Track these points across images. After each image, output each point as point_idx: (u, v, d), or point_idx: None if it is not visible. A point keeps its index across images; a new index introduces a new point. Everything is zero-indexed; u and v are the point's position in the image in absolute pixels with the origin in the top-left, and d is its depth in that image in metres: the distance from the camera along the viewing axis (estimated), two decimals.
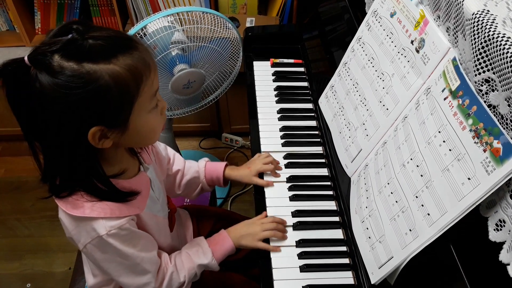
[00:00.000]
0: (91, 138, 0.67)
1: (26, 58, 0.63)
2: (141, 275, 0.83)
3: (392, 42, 0.92)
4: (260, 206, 1.03)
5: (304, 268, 0.90)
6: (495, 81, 0.64)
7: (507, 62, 0.60)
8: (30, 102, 0.64)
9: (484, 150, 0.62)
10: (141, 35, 1.21)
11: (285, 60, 1.40)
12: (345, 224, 0.96)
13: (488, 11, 0.66)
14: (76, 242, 0.78)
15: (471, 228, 0.67)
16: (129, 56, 0.67)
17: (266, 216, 1.00)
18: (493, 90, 0.65)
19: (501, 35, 0.62)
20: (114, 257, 0.79)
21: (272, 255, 0.92)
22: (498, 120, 0.62)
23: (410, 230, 0.74)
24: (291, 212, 1.00)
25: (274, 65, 1.38)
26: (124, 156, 0.82)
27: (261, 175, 1.08)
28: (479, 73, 0.66)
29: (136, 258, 0.81)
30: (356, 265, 0.88)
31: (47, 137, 0.68)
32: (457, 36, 0.74)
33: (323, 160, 1.12)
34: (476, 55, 0.66)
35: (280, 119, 1.22)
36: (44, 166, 0.72)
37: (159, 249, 0.91)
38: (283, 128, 1.19)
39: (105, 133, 0.69)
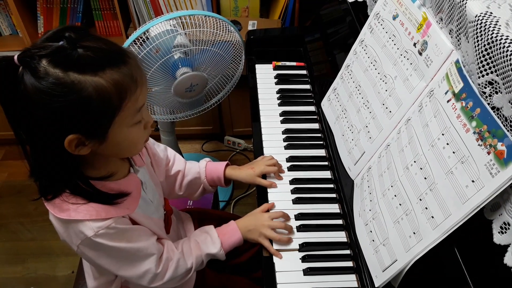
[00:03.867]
0: (67, 145, 0.67)
1: (15, 58, 0.63)
2: (140, 264, 0.84)
3: (394, 44, 0.92)
4: None
5: (307, 272, 0.89)
6: (498, 83, 0.64)
7: (510, 64, 0.60)
8: (14, 100, 0.65)
9: (488, 153, 0.62)
10: (144, 38, 1.21)
11: (287, 63, 1.40)
12: (349, 227, 0.95)
13: (491, 13, 0.65)
14: (69, 243, 0.79)
15: (475, 231, 0.67)
16: (117, 70, 0.67)
17: (274, 206, 1.00)
18: (496, 92, 0.64)
19: (504, 37, 0.61)
20: (108, 253, 0.80)
21: (275, 258, 0.92)
22: (502, 122, 0.62)
23: (414, 233, 0.74)
24: (294, 215, 1.00)
25: (276, 68, 1.38)
26: (112, 159, 0.81)
27: (263, 177, 1.07)
28: (483, 75, 0.66)
29: (131, 250, 0.81)
30: (360, 268, 0.87)
31: (29, 136, 0.69)
32: (460, 39, 0.74)
33: (326, 163, 1.12)
34: (479, 57, 0.66)
35: (282, 121, 1.22)
36: (32, 162, 0.73)
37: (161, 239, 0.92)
38: (285, 131, 1.19)
39: (83, 141, 0.69)
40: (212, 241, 0.94)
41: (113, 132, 0.71)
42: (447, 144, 0.70)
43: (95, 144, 0.70)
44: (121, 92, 0.68)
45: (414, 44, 0.86)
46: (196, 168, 1.09)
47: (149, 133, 0.80)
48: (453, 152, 0.68)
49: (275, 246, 0.94)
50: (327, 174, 1.09)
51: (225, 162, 1.10)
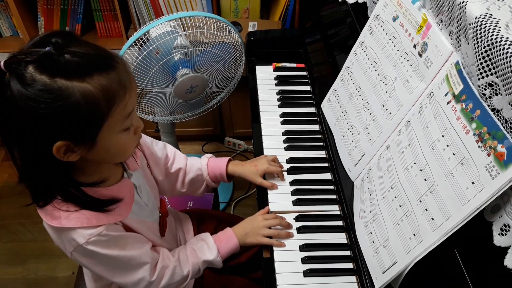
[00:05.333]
0: (56, 151, 0.66)
1: (2, 64, 0.62)
2: (133, 272, 0.83)
3: (394, 46, 0.92)
4: None
5: (307, 273, 0.89)
6: (498, 85, 0.64)
7: (510, 66, 0.60)
8: (1, 107, 0.64)
9: (488, 154, 0.62)
10: (144, 40, 1.21)
11: (288, 64, 1.40)
12: (349, 229, 0.95)
13: (491, 15, 0.65)
14: (64, 250, 0.78)
15: (475, 232, 0.66)
16: (105, 76, 0.66)
17: (269, 211, 1.00)
18: (496, 94, 0.64)
19: (504, 39, 0.61)
20: (101, 261, 0.79)
21: (276, 258, 0.92)
22: (502, 124, 0.62)
23: (414, 234, 0.74)
24: (294, 217, 1.00)
25: (276, 69, 1.39)
26: (103, 164, 0.80)
27: (263, 176, 1.07)
28: (482, 77, 0.66)
29: (123, 258, 0.81)
30: (360, 270, 0.87)
31: (17, 142, 0.68)
32: (460, 40, 0.74)
33: (326, 164, 1.12)
34: (479, 59, 0.66)
35: (282, 123, 1.22)
36: (21, 168, 0.72)
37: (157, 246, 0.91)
38: (285, 132, 1.19)
39: (72, 148, 0.68)
40: (208, 248, 0.94)
41: (102, 138, 0.69)
42: (447, 145, 0.70)
43: (84, 150, 0.69)
44: (110, 97, 0.66)
45: (414, 46, 0.86)
46: (198, 165, 1.08)
47: (139, 138, 0.79)
48: (453, 154, 0.68)
49: (276, 250, 0.94)
50: (327, 176, 1.09)
51: (227, 158, 1.09)
